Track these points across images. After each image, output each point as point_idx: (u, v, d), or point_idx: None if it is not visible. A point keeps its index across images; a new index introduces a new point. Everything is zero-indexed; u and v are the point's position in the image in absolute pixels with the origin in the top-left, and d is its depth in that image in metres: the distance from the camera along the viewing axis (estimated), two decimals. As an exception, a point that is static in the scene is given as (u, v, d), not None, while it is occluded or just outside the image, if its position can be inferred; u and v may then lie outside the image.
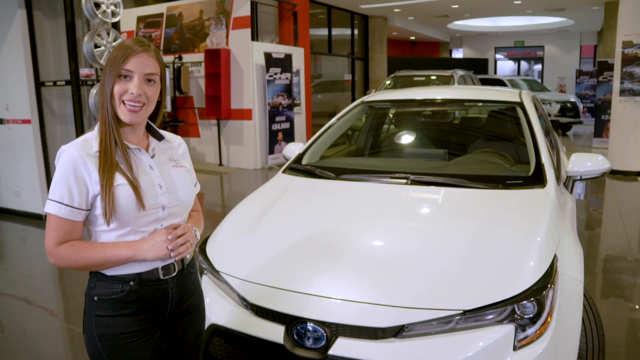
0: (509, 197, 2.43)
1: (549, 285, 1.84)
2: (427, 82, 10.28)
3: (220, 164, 9.55)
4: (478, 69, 15.87)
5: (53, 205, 1.41)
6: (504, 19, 18.73)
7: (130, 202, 1.41)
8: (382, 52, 15.23)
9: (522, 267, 1.91)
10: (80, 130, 5.60)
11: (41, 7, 5.71)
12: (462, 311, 1.76)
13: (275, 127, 9.35)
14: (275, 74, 9.17)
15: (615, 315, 3.33)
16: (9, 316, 3.58)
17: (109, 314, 1.45)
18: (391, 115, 4.00)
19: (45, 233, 1.44)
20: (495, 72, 21.75)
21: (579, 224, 3.28)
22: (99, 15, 5.17)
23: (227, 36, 9.24)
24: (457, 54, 22.93)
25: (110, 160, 1.41)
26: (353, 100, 14.48)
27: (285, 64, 9.35)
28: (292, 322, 1.87)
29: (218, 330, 2.02)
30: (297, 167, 3.04)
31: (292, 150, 3.36)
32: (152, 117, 1.56)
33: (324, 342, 1.81)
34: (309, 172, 2.93)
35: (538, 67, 22.05)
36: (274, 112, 9.27)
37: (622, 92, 8.17)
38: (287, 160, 3.28)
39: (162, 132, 1.62)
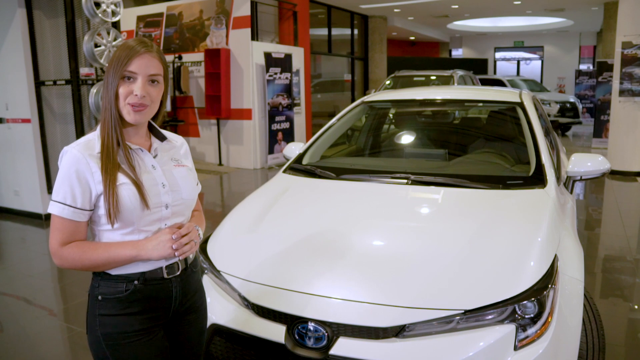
0: (510, 197, 2.44)
1: (549, 285, 1.85)
2: (426, 82, 10.28)
3: (220, 164, 9.55)
4: (478, 69, 15.88)
5: (56, 206, 1.41)
6: (504, 19, 18.74)
7: (133, 201, 1.41)
8: (381, 52, 15.23)
9: (522, 267, 1.91)
10: (80, 130, 5.60)
11: (41, 6, 5.71)
12: (463, 311, 1.76)
13: (275, 127, 9.35)
14: (275, 73, 9.17)
15: (615, 315, 3.34)
16: (8, 316, 3.58)
17: (113, 313, 1.45)
18: (391, 116, 4.01)
19: (49, 234, 1.44)
20: (494, 72, 21.77)
21: (578, 224, 3.29)
22: (99, 15, 5.17)
23: (227, 36, 9.24)
24: (457, 54, 22.94)
25: (113, 161, 1.41)
26: (353, 100, 14.49)
27: (285, 63, 9.36)
28: (293, 322, 1.87)
29: (219, 330, 2.02)
30: (297, 167, 3.04)
31: (292, 150, 3.36)
32: (153, 117, 1.56)
33: (325, 342, 1.81)
34: (310, 172, 2.93)
35: (533, 67, 22.05)
36: (273, 112, 9.27)
37: (622, 92, 8.18)
38: (288, 160, 3.29)
39: (164, 132, 1.62)
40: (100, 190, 1.40)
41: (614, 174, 8.06)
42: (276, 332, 1.88)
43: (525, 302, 1.78)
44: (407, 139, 3.59)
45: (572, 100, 13.63)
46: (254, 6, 9.36)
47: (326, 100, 14.02)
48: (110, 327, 1.45)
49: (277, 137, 9.42)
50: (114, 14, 5.33)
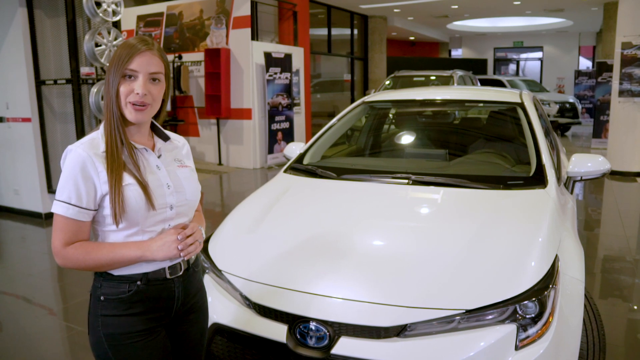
0: (510, 197, 2.44)
1: (550, 286, 1.85)
2: (426, 83, 10.29)
3: (220, 164, 9.55)
4: (477, 69, 15.89)
5: (61, 205, 1.39)
6: (503, 19, 18.75)
7: (139, 202, 1.41)
8: (381, 52, 15.24)
9: (523, 267, 1.92)
10: (80, 129, 5.60)
11: (42, 5, 5.71)
12: (464, 311, 1.76)
13: (274, 126, 9.36)
14: (275, 73, 9.17)
15: (614, 316, 3.35)
16: (8, 315, 3.58)
17: (116, 313, 1.44)
18: (392, 116, 4.01)
19: (49, 233, 1.44)
20: (494, 73, 21.78)
21: (578, 224, 3.29)
22: (100, 14, 5.17)
23: (227, 36, 9.24)
24: (456, 54, 22.95)
25: (118, 161, 1.41)
26: (352, 100, 14.50)
27: (285, 63, 9.36)
28: (294, 322, 1.87)
29: (220, 329, 2.02)
30: (298, 167, 3.04)
31: (293, 150, 3.36)
32: (155, 116, 1.56)
33: (326, 342, 1.82)
34: (311, 172, 2.93)
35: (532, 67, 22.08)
36: (273, 112, 9.27)
37: (621, 92, 8.19)
38: (288, 160, 3.29)
39: (167, 132, 1.62)
40: (106, 190, 1.39)
41: (613, 174, 8.07)
42: (278, 332, 1.88)
43: (526, 302, 1.79)
44: (407, 139, 3.59)
45: (571, 100, 13.65)
46: (254, 6, 9.36)
47: (326, 100, 14.02)
48: (112, 327, 1.44)
49: (276, 137, 9.43)
50: (114, 13, 5.33)
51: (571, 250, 2.19)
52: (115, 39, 5.34)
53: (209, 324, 1.94)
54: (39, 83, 5.77)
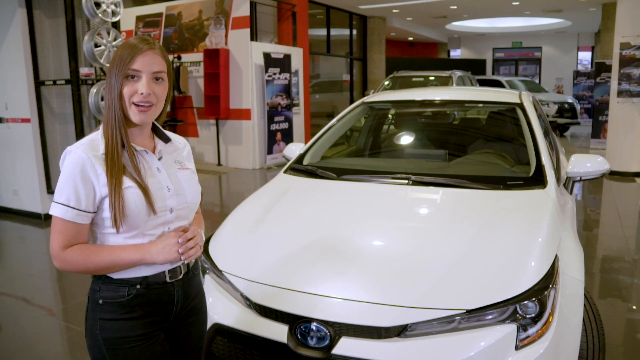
0: (510, 197, 2.45)
1: (550, 285, 1.86)
2: (425, 83, 10.29)
3: (219, 164, 9.55)
4: (476, 69, 15.90)
5: (59, 208, 1.37)
6: (502, 19, 18.78)
7: (139, 206, 1.39)
8: (380, 52, 15.25)
9: (523, 267, 1.92)
10: (79, 130, 5.59)
11: (41, 6, 5.71)
12: (464, 311, 1.77)
13: (273, 127, 9.36)
14: (274, 74, 9.18)
15: (613, 315, 3.35)
16: (7, 315, 3.57)
17: (114, 317, 1.42)
18: (391, 116, 4.02)
19: (48, 234, 1.42)
20: (493, 73, 21.80)
21: (577, 224, 3.30)
22: (99, 15, 5.17)
23: (226, 36, 9.24)
24: (455, 54, 22.97)
25: (118, 164, 1.38)
26: (351, 100, 14.51)
27: (284, 64, 9.36)
28: (295, 322, 1.88)
29: (221, 330, 2.02)
30: (298, 168, 3.05)
31: (292, 150, 3.37)
32: (156, 117, 1.53)
33: (327, 342, 1.82)
34: (311, 173, 2.94)
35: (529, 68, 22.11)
36: (272, 112, 9.28)
37: (620, 93, 8.20)
38: (288, 160, 3.29)
39: (168, 133, 1.60)
40: (105, 193, 1.37)
41: (612, 174, 8.09)
42: (278, 332, 1.89)
43: (526, 302, 1.79)
44: (407, 139, 3.60)
45: (570, 100, 13.67)
46: (253, 6, 9.37)
47: (325, 101, 14.02)
48: (111, 331, 1.42)
49: (275, 137, 9.43)
50: (114, 14, 5.33)
51: (571, 250, 2.20)
52: (115, 39, 5.34)
53: (210, 324, 1.95)
54: (39, 84, 5.76)
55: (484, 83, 13.14)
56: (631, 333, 3.17)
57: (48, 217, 5.79)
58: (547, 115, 12.73)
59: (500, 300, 1.79)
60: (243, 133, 9.24)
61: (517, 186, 2.55)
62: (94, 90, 5.21)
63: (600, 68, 10.55)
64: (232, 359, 2.01)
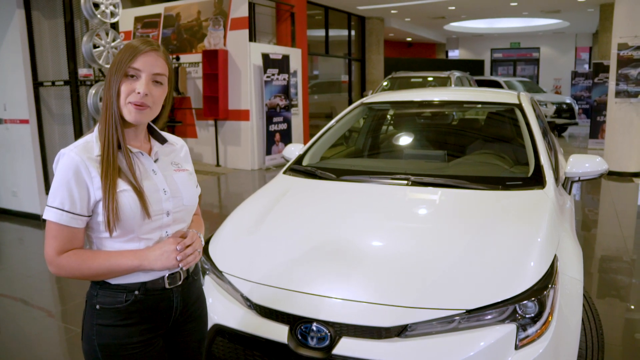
0: (509, 198, 2.46)
1: (549, 285, 1.87)
2: (424, 84, 10.31)
3: (218, 165, 9.55)
4: (474, 70, 15.93)
5: (53, 212, 1.33)
6: (500, 20, 18.81)
7: (134, 209, 1.35)
8: (378, 53, 15.27)
9: (523, 267, 1.93)
10: (78, 131, 5.59)
11: (40, 7, 5.70)
12: (464, 311, 1.77)
13: (272, 128, 9.36)
14: (273, 74, 9.18)
15: (612, 315, 3.36)
16: (6, 317, 3.57)
17: (112, 323, 1.39)
18: (390, 117, 4.02)
19: (44, 241, 1.37)
20: (491, 74, 21.84)
21: (576, 224, 3.31)
22: (98, 16, 5.17)
23: (224, 37, 9.25)
24: (454, 55, 23.00)
25: (113, 165, 1.35)
26: (350, 101, 14.51)
27: (282, 65, 9.37)
28: (296, 322, 1.88)
29: (221, 330, 2.03)
30: (297, 168, 3.05)
31: (292, 151, 3.37)
32: (155, 119, 1.50)
33: (327, 342, 1.82)
34: (310, 173, 2.94)
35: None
36: (271, 113, 9.28)
37: (618, 93, 8.22)
38: (287, 161, 3.29)
39: (165, 134, 1.56)
40: (99, 197, 1.34)
41: (610, 174, 8.10)
42: (279, 333, 1.89)
43: (525, 301, 1.80)
44: (406, 140, 3.61)
45: (568, 101, 13.70)
46: (251, 7, 9.37)
47: (323, 102, 14.03)
48: (108, 337, 1.39)
49: (274, 138, 9.43)
50: (112, 14, 5.33)
51: (570, 250, 2.20)
52: (113, 40, 5.34)
53: (210, 325, 1.95)
54: (37, 84, 5.76)
55: (482, 83, 13.16)
56: (630, 332, 3.18)
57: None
58: (546, 116, 12.77)
59: (499, 300, 1.80)
60: (242, 134, 9.24)
61: (516, 186, 2.55)
62: (92, 91, 5.21)
63: (598, 69, 10.58)
64: (232, 359, 2.01)
